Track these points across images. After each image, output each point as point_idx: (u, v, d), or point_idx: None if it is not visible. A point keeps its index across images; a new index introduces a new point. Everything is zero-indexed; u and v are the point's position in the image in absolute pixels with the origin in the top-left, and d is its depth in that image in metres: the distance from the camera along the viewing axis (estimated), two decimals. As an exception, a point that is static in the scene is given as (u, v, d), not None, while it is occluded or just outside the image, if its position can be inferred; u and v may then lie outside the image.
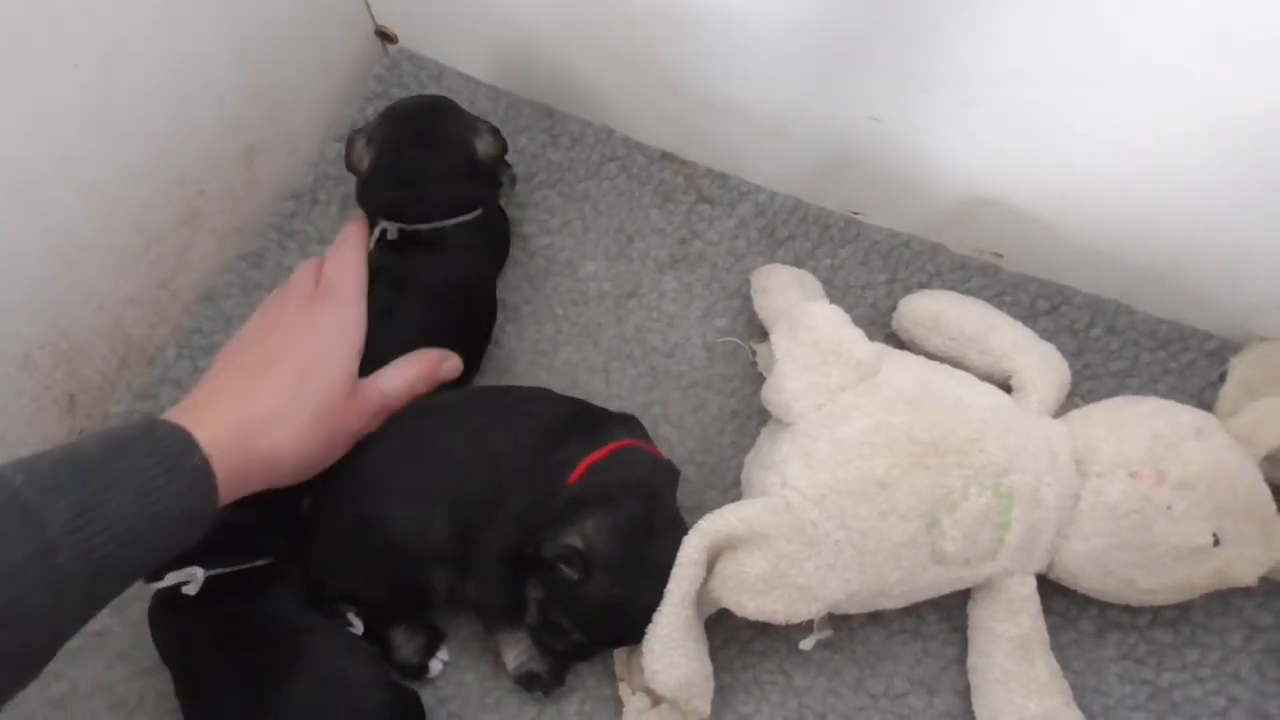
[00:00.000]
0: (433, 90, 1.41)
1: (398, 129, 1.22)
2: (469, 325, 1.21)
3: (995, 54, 1.03)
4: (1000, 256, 1.26)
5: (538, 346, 1.27)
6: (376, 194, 1.21)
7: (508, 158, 1.28)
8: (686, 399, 1.23)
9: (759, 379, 1.23)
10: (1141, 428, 1.02)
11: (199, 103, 1.23)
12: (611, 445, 1.08)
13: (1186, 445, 1.00)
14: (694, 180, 1.35)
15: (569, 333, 1.28)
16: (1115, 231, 1.15)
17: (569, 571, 1.01)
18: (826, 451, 1.03)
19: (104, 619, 1.15)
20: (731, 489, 1.19)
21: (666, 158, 1.36)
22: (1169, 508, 0.98)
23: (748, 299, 1.27)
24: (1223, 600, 1.09)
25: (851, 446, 1.02)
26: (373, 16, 1.43)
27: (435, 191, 1.18)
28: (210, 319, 1.30)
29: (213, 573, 1.05)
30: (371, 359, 1.10)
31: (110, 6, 1.08)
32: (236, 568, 1.06)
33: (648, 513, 1.05)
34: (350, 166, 1.25)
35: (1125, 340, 1.20)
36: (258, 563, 1.07)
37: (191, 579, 1.04)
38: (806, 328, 1.07)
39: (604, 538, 1.02)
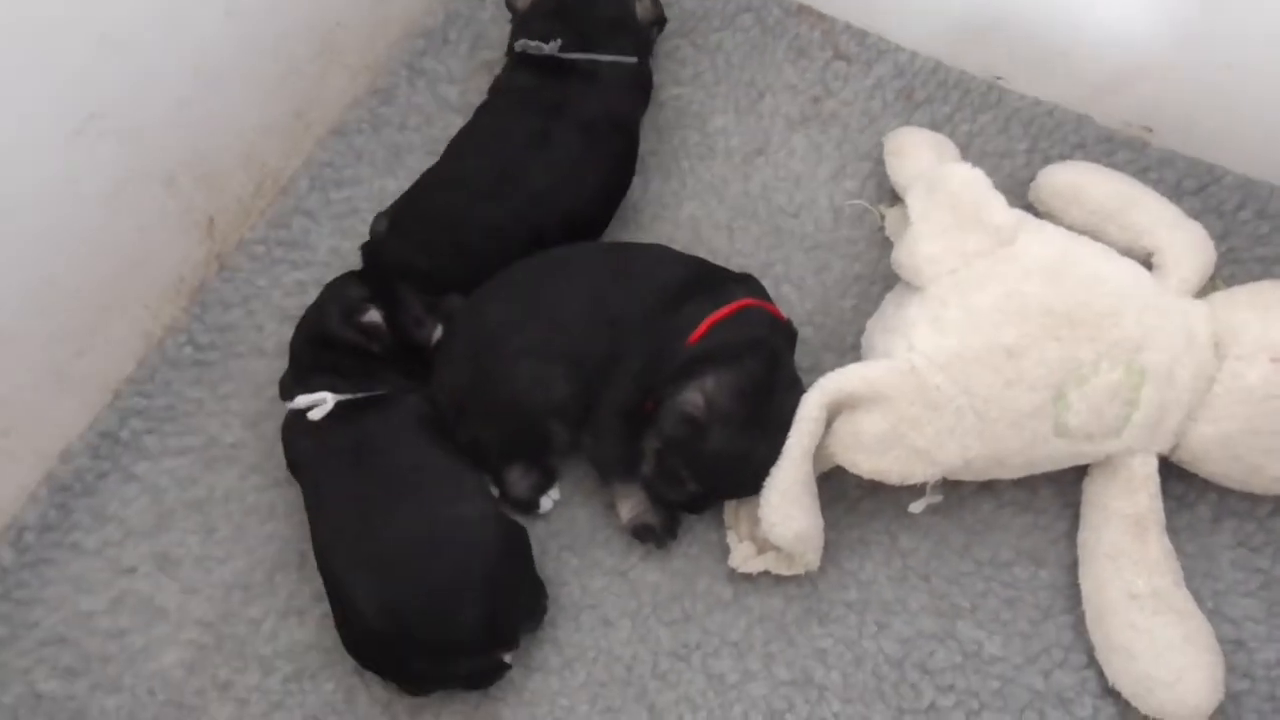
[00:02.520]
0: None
1: None
2: (617, 162, 1.21)
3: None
4: (1150, 131, 1.20)
5: (662, 200, 1.27)
6: (541, 19, 1.21)
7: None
8: (809, 260, 1.22)
9: (886, 244, 1.22)
10: (1288, 309, 0.99)
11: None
12: (733, 304, 1.08)
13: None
14: (831, 35, 1.31)
15: (694, 187, 1.27)
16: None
17: (690, 425, 1.02)
18: (957, 317, 1.02)
19: (238, 432, 1.22)
20: (850, 353, 1.18)
21: (804, 10, 1.33)
22: (1311, 396, 0.96)
23: (879, 162, 1.24)
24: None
25: (983, 314, 1.01)
26: None
27: (593, 31, 1.19)
28: (341, 153, 1.32)
29: (341, 398, 1.10)
30: (520, 185, 1.12)
31: None
32: (364, 394, 1.11)
33: (767, 370, 1.06)
34: (510, 3, 1.25)
35: (1276, 225, 1.15)
36: (382, 392, 1.12)
37: (321, 403, 1.09)
38: (945, 190, 1.05)
39: (724, 393, 1.03)
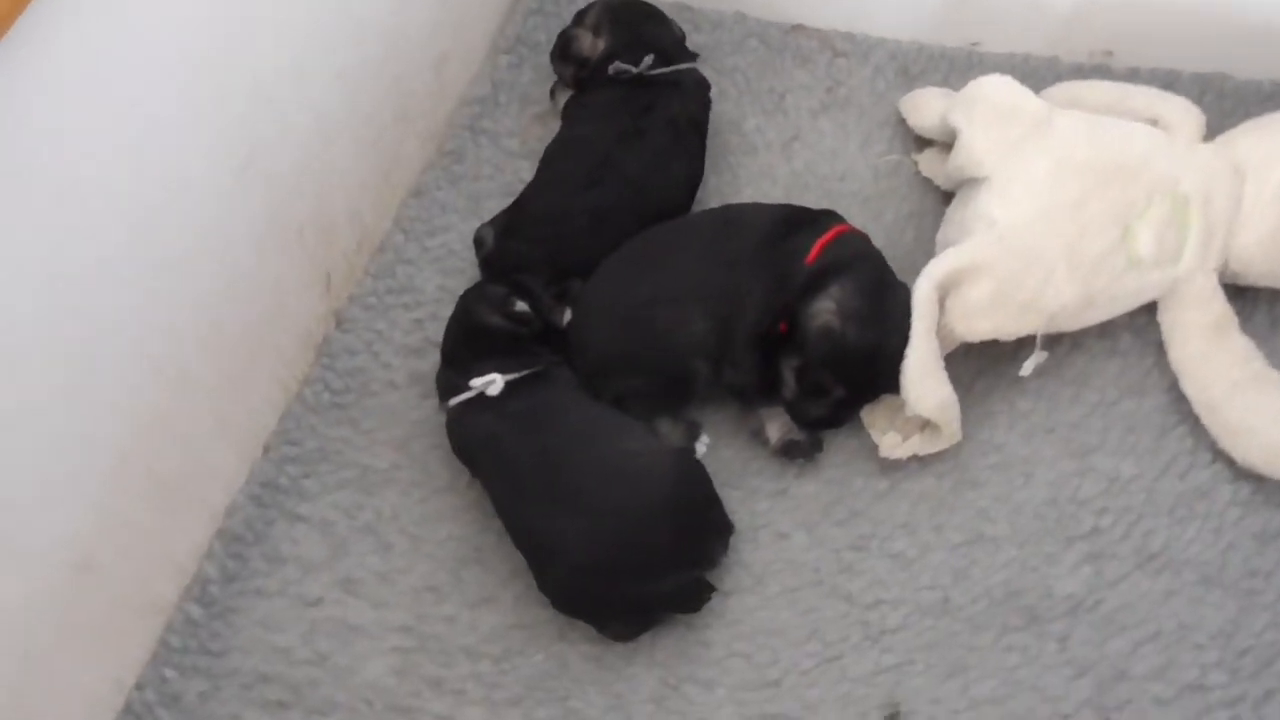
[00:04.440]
0: (575, 4, 1.59)
1: (624, 12, 1.46)
2: (696, 153, 1.41)
3: None
4: (1111, 54, 1.45)
5: (722, 192, 1.45)
6: (626, 51, 1.42)
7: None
8: (866, 210, 1.40)
9: (925, 183, 1.42)
10: (1283, 126, 1.21)
11: (409, 6, 1.42)
12: (833, 229, 1.25)
13: (1327, 132, 1.19)
14: (827, 41, 1.54)
15: (746, 176, 1.46)
16: (1215, 5, 1.35)
17: (828, 329, 1.16)
18: (1022, 189, 1.21)
19: (389, 456, 1.30)
20: (917, 277, 1.34)
21: (798, 28, 1.56)
22: (1328, 181, 1.17)
23: (899, 124, 1.46)
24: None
25: (1044, 180, 1.20)
26: (517, -52, 1.64)
27: (670, 49, 1.44)
28: (426, 208, 1.47)
29: (509, 377, 1.20)
30: (616, 173, 1.30)
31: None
32: (526, 371, 1.21)
33: (881, 273, 1.23)
34: (573, 54, 1.47)
35: (1235, 101, 1.39)
36: (538, 368, 1.23)
37: (493, 383, 1.20)
38: (981, 96, 1.26)
39: (852, 295, 1.18)
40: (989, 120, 1.24)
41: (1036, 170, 1.21)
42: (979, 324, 1.18)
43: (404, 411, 1.34)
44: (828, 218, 1.28)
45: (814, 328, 1.18)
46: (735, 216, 1.31)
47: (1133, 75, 1.43)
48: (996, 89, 1.25)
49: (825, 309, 1.17)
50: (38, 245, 0.95)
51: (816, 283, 1.19)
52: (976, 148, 1.24)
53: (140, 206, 1.05)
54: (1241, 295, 1.25)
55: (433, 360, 1.34)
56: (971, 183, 1.26)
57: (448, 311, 1.35)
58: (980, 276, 1.18)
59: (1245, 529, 1.15)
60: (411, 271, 1.43)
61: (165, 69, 1.05)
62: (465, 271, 1.42)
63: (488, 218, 1.41)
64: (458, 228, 1.46)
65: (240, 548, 1.25)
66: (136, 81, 1.02)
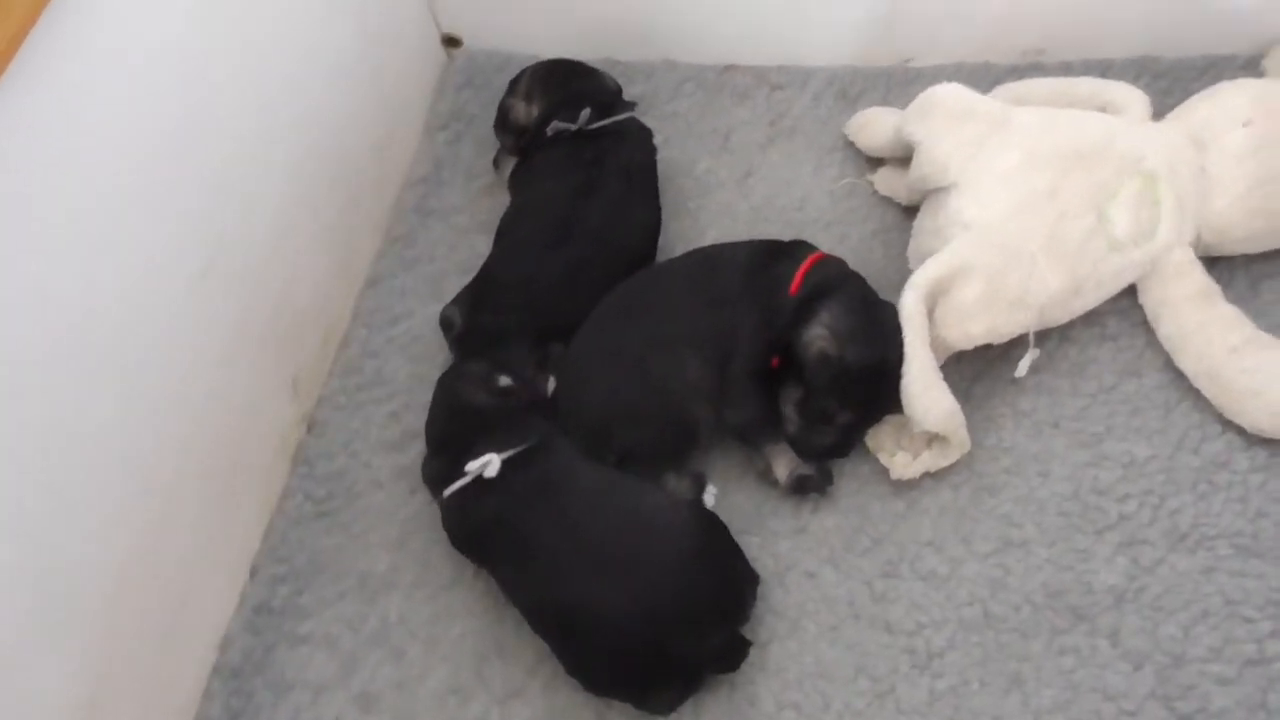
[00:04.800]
0: (505, 73, 1.57)
1: (554, 73, 1.44)
2: (652, 199, 1.39)
3: None
4: (1043, 52, 1.47)
5: (684, 236, 1.42)
6: (561, 110, 1.39)
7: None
8: (830, 234, 1.39)
9: (884, 200, 1.41)
10: (1234, 91, 1.23)
11: (345, 90, 1.39)
12: (810, 257, 1.23)
13: (1274, 90, 1.21)
14: (763, 77, 1.54)
15: (707, 218, 1.44)
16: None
17: (826, 354, 1.14)
18: (993, 186, 1.20)
19: (386, 558, 1.24)
20: (894, 293, 1.33)
21: (732, 68, 1.56)
22: (1284, 137, 1.18)
23: (847, 147, 1.46)
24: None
25: (1013, 174, 1.20)
26: (439, 27, 1.62)
27: (608, 101, 1.42)
28: (385, 296, 1.42)
29: (506, 454, 1.15)
30: (578, 229, 1.29)
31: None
32: (524, 446, 1.16)
33: (865, 292, 1.22)
34: (511, 123, 1.45)
35: (1171, 80, 1.41)
36: (534, 441, 1.17)
37: (490, 464, 1.14)
38: (935, 105, 1.26)
39: (842, 318, 1.16)
40: (947, 127, 1.24)
41: (1004, 166, 1.21)
42: (973, 327, 1.16)
43: (394, 510, 1.27)
44: (801, 247, 1.26)
45: (811, 355, 1.15)
46: (712, 257, 1.28)
47: (1067, 69, 1.45)
48: (950, 95, 1.26)
49: (819, 335, 1.15)
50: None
51: (804, 311, 1.17)
52: (939, 155, 1.24)
53: (104, 324, 0.99)
54: (1214, 267, 1.25)
55: (415, 453, 1.29)
56: (938, 191, 1.26)
57: (423, 399, 1.30)
58: (967, 278, 1.16)
59: (1270, 493, 1.14)
60: (379, 364, 1.37)
61: (122, 170, 1.00)
62: (435, 356, 1.37)
63: (449, 298, 1.37)
64: (420, 312, 1.41)
65: (240, 682, 1.17)
66: (89, 192, 0.97)
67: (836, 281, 1.20)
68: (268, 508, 1.27)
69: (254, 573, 1.24)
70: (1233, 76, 1.39)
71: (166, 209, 1.07)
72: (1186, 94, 1.36)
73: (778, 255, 1.25)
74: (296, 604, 1.22)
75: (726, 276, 1.24)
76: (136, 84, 1.02)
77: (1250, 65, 1.40)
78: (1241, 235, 1.22)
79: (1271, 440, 1.15)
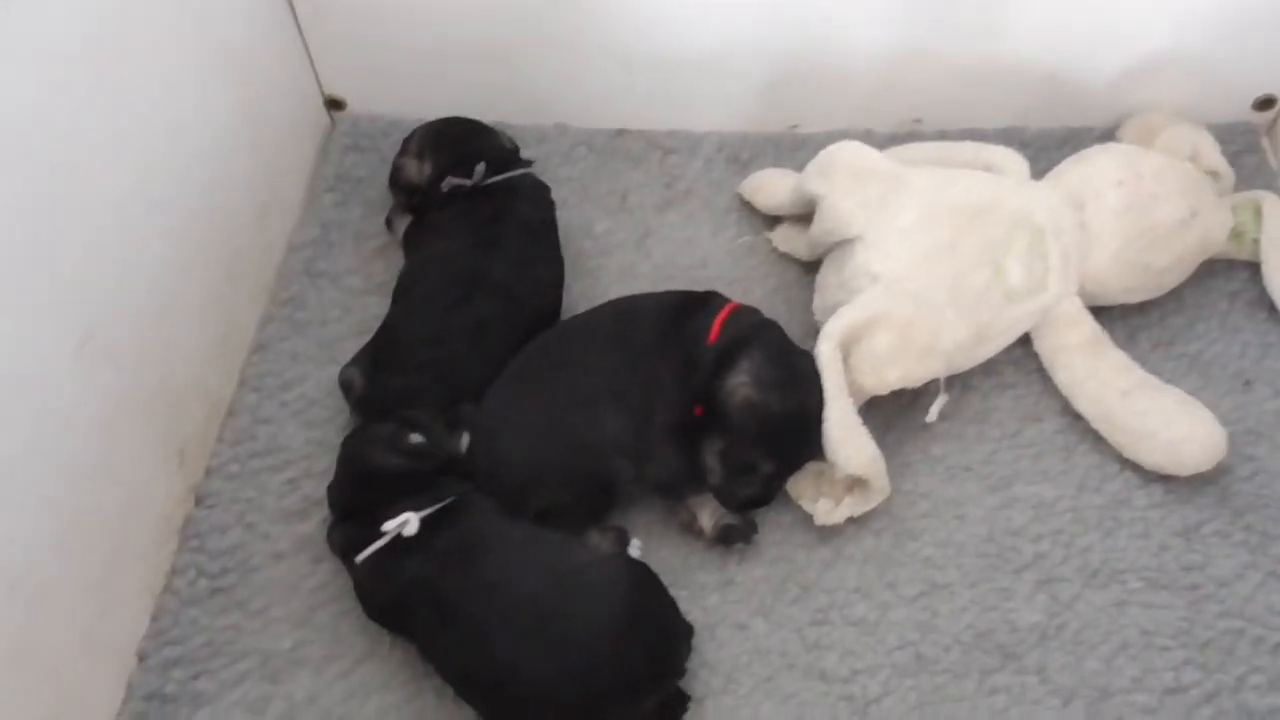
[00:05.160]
0: (392, 137, 1.54)
1: (446, 131, 1.42)
2: (554, 254, 1.37)
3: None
4: (919, 121, 1.55)
5: (587, 295, 1.41)
6: (456, 167, 1.37)
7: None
8: (733, 291, 1.38)
9: (783, 257, 1.44)
10: (1103, 155, 1.32)
11: (223, 155, 1.33)
12: (726, 308, 1.24)
13: (1143, 155, 1.31)
14: (654, 141, 1.56)
15: (608, 277, 1.43)
16: (1006, 67, 1.48)
17: (749, 402, 1.13)
18: (896, 240, 1.25)
19: (292, 635, 1.16)
20: (806, 340, 1.34)
21: (623, 132, 1.57)
22: (1154, 194, 1.27)
23: (743, 207, 1.49)
24: (1206, 281, 1.37)
25: (915, 228, 1.25)
26: (321, 89, 1.57)
27: (501, 157, 1.40)
28: (275, 361, 1.34)
29: (425, 513, 1.09)
30: (481, 284, 1.27)
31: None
32: (441, 503, 1.11)
33: (783, 340, 1.22)
34: (404, 181, 1.41)
35: (1035, 150, 1.50)
36: (451, 499, 1.12)
37: (407, 523, 1.08)
38: (837, 162, 1.30)
39: (763, 365, 1.16)
40: (850, 183, 1.28)
41: (905, 220, 1.25)
42: (888, 374, 1.19)
43: (297, 582, 1.19)
44: (715, 298, 1.26)
45: (734, 404, 1.14)
46: (625, 310, 1.27)
47: (943, 136, 1.53)
48: (850, 153, 1.30)
49: (741, 383, 1.15)
50: None
51: (725, 360, 1.17)
52: (843, 210, 1.27)
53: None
54: (1095, 317, 1.33)
55: (318, 520, 1.21)
56: (841, 245, 1.29)
57: (322, 465, 1.24)
58: (879, 327, 1.20)
59: (1169, 528, 1.20)
60: (273, 430, 1.29)
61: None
62: (333, 420, 1.30)
63: (344, 360, 1.30)
64: (314, 376, 1.34)
65: (132, 784, 1.05)
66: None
67: (754, 330, 1.21)
68: (155, 588, 1.16)
69: (142, 658, 1.12)
70: (1092, 142, 1.51)
71: (39, 278, 0.99)
72: (1051, 162, 1.45)
73: (692, 306, 1.25)
74: (192, 689, 1.11)
75: (642, 329, 1.23)
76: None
77: (1106, 136, 1.51)
78: (1119, 287, 1.30)
79: (1167, 477, 1.22)
